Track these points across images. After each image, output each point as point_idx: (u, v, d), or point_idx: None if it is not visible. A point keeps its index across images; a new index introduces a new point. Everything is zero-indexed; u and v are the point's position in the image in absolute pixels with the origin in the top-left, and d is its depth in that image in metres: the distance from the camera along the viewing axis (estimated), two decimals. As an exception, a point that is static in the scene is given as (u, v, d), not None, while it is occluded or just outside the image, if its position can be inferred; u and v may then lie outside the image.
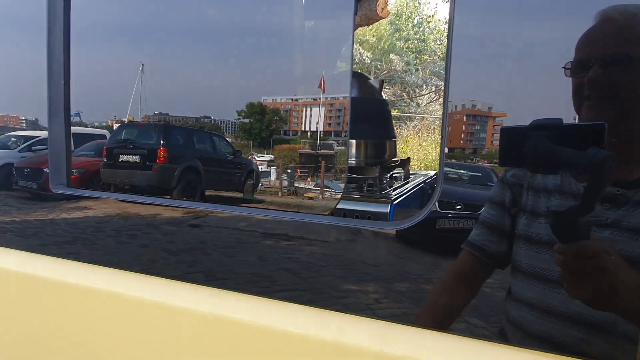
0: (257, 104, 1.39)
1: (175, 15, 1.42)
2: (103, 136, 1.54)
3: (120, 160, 1.51)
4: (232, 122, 1.43)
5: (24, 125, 1.61)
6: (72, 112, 1.51)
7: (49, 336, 1.44)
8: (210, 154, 1.46)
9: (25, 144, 1.62)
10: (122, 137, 1.55)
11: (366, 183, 1.30)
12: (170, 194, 1.43)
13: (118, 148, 1.52)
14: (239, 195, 1.40)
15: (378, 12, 1.16)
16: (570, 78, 0.81)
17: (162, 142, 1.49)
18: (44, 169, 1.50)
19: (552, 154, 0.78)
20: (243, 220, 1.19)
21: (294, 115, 1.32)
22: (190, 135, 1.45)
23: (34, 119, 1.58)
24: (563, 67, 0.80)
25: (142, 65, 1.44)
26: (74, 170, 1.59)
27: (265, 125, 1.37)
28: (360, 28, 1.31)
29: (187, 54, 1.42)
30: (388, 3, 1.17)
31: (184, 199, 1.43)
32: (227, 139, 1.41)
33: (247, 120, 1.42)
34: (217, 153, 1.44)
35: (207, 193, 1.43)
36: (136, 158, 1.50)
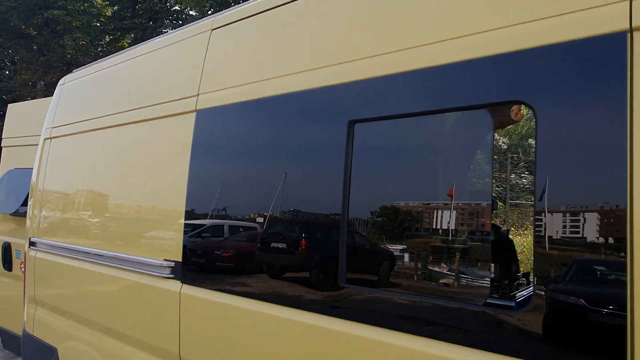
0: (390, 206, 1.51)
1: (315, 134, 1.73)
2: (254, 228, 1.91)
3: (271, 246, 1.86)
4: (364, 220, 1.56)
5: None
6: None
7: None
8: (334, 243, 1.62)
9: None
10: (274, 230, 1.85)
11: None
12: (309, 273, 1.74)
13: (269, 237, 1.85)
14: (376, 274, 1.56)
15: (512, 117, 1.27)
16: None
17: (304, 234, 1.78)
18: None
19: None
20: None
21: (425, 216, 1.43)
22: (329, 230, 1.68)
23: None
24: None
25: (285, 174, 1.71)
26: (231, 250, 2.05)
27: (398, 223, 1.48)
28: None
29: (326, 164, 1.66)
30: (521, 109, 1.29)
31: (321, 276, 1.70)
32: (362, 233, 1.55)
33: (380, 219, 1.54)
34: (356, 243, 1.60)
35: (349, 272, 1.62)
36: (284, 245, 1.83)
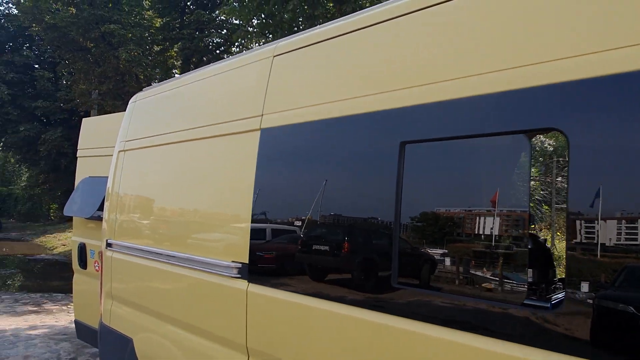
0: (430, 212, 1.73)
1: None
2: (313, 233, 2.15)
3: (313, 248, 2.13)
4: (404, 225, 1.77)
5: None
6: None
7: None
8: (386, 247, 1.84)
9: None
10: (329, 235, 2.09)
11: None
12: (351, 273, 1.99)
13: (324, 242, 2.09)
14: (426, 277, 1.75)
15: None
16: None
17: (346, 238, 1.99)
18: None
19: None
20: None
21: (467, 222, 1.63)
22: (381, 236, 1.89)
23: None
24: None
25: (340, 185, 1.96)
26: (273, 252, 2.33)
27: (438, 228, 1.69)
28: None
29: (380, 178, 1.88)
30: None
31: (362, 278, 1.95)
32: (412, 240, 1.77)
33: (419, 224, 1.75)
34: (396, 246, 1.79)
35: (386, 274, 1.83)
36: (338, 249, 2.06)
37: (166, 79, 18.67)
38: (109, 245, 3.74)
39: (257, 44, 16.77)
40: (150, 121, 3.61)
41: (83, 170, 5.14)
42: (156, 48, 19.85)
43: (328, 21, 8.65)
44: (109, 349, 3.72)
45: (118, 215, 3.72)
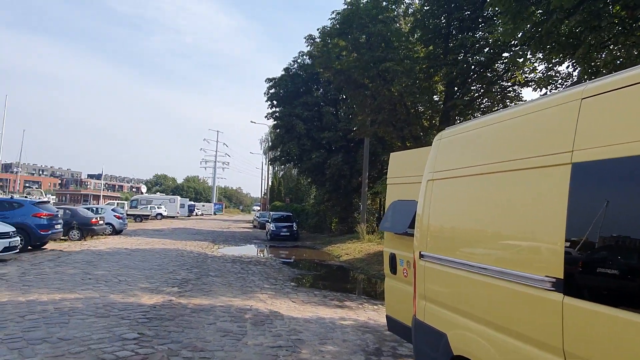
0: None
1: None
2: (610, 251, 2.42)
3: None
4: None
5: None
6: None
7: None
8: None
9: None
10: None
11: None
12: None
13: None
14: None
15: None
16: None
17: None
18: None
19: None
20: None
21: None
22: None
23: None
24: None
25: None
26: (589, 269, 2.64)
27: None
28: None
29: None
30: None
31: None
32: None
33: None
34: None
35: None
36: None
37: (429, 104, 19.58)
38: (421, 256, 4.64)
39: (528, 60, 16.24)
40: (455, 155, 4.38)
41: (392, 195, 6.36)
42: (421, 76, 21.36)
43: (616, 29, 7.97)
44: (423, 341, 4.59)
45: (429, 232, 4.59)
